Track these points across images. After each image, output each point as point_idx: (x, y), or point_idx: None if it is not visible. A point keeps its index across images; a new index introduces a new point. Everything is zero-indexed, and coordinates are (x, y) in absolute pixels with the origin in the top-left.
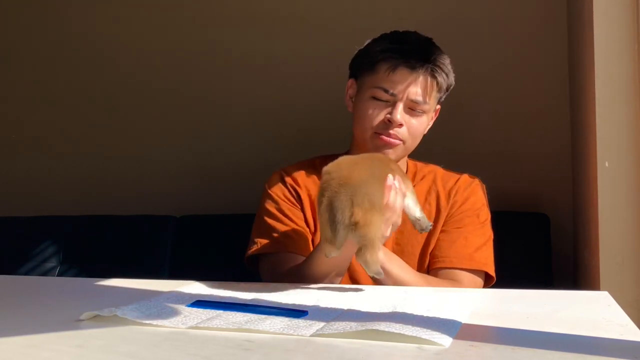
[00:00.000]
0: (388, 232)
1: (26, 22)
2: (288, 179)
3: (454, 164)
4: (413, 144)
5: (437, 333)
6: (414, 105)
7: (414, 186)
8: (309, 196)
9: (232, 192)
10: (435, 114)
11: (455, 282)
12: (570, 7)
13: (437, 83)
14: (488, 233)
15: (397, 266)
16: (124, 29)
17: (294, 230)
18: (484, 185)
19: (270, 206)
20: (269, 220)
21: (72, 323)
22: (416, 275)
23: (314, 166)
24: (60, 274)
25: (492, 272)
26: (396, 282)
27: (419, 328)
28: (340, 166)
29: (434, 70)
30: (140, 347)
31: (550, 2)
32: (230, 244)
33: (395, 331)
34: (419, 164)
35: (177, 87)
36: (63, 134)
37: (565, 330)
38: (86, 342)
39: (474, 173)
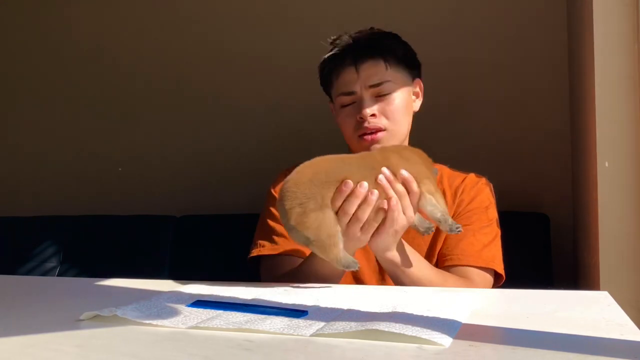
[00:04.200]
0: (362, 235)
1: (25, 23)
2: None
3: (454, 164)
4: (398, 126)
5: (437, 333)
6: (376, 91)
7: None
8: None
9: (232, 192)
10: (420, 91)
11: (467, 280)
12: (570, 6)
13: (383, 57)
14: (495, 231)
15: (415, 262)
16: (123, 29)
17: None
18: (491, 185)
19: (271, 207)
20: (270, 222)
21: (72, 323)
22: (432, 270)
23: None
24: (60, 274)
25: (501, 270)
26: (413, 280)
27: (419, 328)
28: (299, 168)
29: (371, 49)
30: (140, 347)
31: (550, 2)
32: (230, 244)
33: (395, 331)
34: None
35: (177, 87)
36: (63, 134)
37: (565, 330)
38: (86, 342)
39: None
